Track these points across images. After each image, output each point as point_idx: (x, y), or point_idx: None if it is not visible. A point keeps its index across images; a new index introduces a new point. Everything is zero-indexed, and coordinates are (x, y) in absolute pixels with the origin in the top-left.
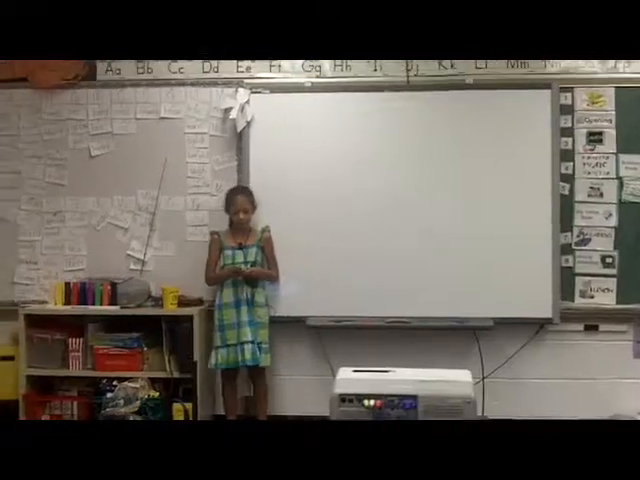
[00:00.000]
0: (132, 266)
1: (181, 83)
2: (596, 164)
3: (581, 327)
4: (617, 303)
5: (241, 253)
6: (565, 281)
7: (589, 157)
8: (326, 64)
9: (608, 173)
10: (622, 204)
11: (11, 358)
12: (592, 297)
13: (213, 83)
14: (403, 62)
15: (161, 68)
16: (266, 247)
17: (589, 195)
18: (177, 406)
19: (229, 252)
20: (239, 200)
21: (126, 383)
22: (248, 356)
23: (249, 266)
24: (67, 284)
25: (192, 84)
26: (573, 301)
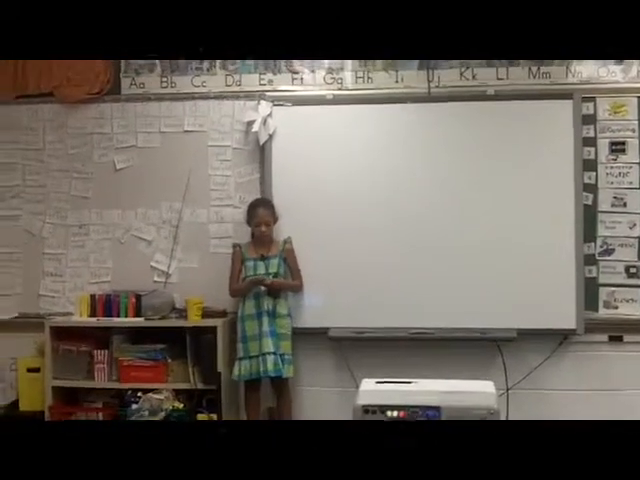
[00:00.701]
0: (156, 278)
1: (204, 97)
2: (619, 174)
3: (605, 338)
4: None
5: (263, 264)
6: (589, 292)
7: (612, 167)
8: (348, 76)
9: (631, 183)
10: None
11: (37, 370)
12: (616, 308)
13: (235, 96)
14: (424, 73)
15: (184, 82)
16: (288, 258)
17: (612, 205)
18: (201, 417)
19: (250, 263)
20: (260, 213)
21: (150, 394)
22: (270, 367)
23: (271, 277)
24: (92, 296)
25: (215, 97)
26: (597, 312)
